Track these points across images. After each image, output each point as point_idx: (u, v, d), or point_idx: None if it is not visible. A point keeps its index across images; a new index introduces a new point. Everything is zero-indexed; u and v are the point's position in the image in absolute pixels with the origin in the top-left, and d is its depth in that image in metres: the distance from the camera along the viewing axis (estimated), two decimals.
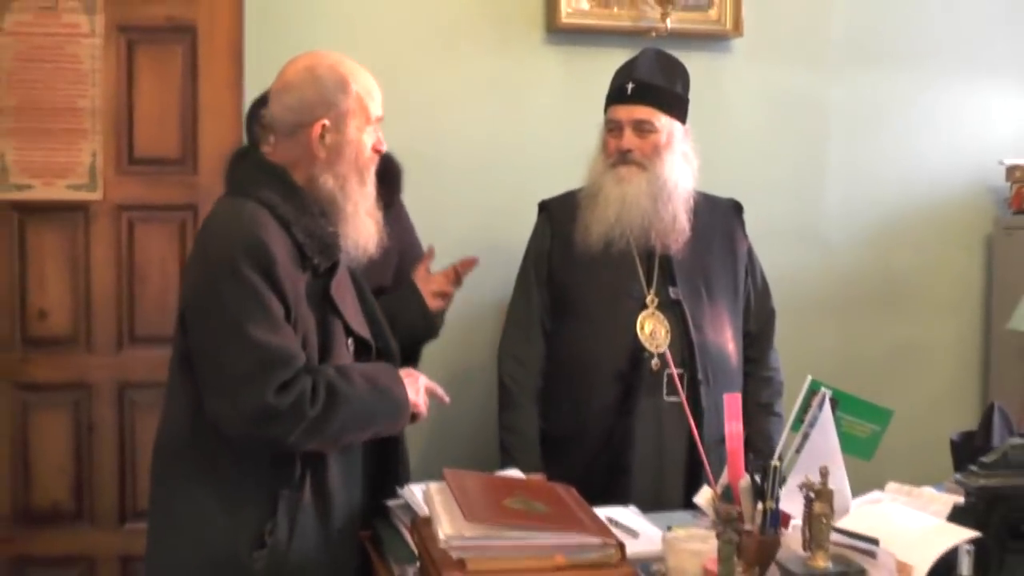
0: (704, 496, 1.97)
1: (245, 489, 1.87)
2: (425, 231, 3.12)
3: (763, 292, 2.74)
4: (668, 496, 2.40)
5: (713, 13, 3.33)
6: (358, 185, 1.99)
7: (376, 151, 2.03)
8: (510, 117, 3.23)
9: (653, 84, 2.55)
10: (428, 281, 2.41)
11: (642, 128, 2.53)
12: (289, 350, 1.82)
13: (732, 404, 1.91)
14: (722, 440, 2.43)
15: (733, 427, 1.90)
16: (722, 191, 2.76)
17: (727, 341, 2.60)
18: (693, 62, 3.29)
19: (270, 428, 1.79)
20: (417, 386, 2.04)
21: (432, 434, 3.10)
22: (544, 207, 2.71)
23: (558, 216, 2.65)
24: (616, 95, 2.58)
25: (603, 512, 2.18)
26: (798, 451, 1.81)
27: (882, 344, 3.45)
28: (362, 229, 2.00)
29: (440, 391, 2.09)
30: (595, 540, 1.55)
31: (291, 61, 2.00)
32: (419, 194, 3.11)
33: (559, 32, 3.23)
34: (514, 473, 2.17)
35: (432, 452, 3.07)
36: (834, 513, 1.70)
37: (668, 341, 2.51)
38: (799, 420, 1.85)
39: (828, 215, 3.45)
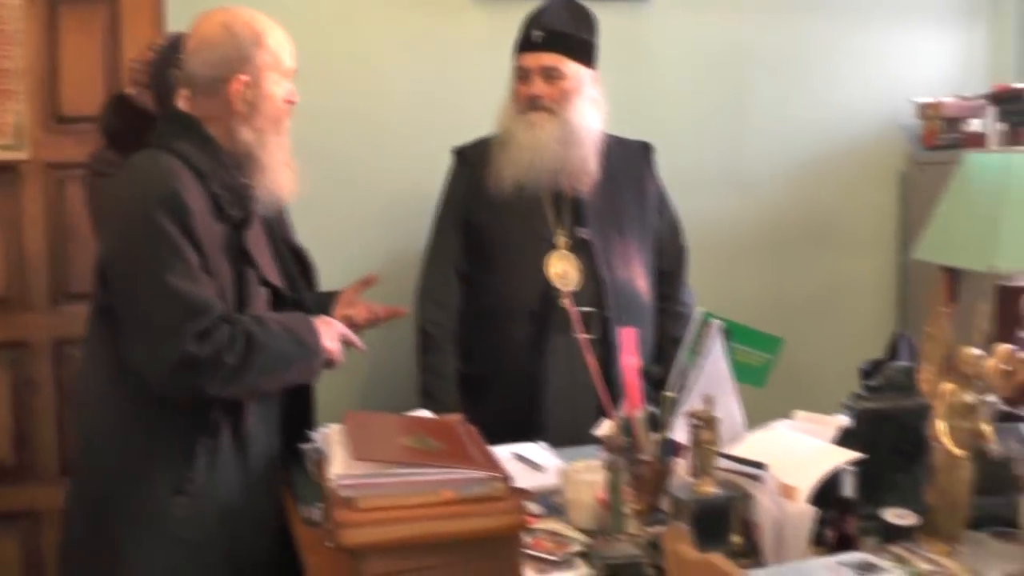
0: (604, 428, 1.92)
1: (165, 438, 1.80)
2: (356, 182, 3.05)
3: (675, 230, 2.69)
4: (583, 431, 2.34)
5: None
6: (274, 136, 1.91)
7: (289, 102, 1.95)
8: (439, 72, 3.12)
9: (560, 31, 2.46)
10: (350, 304, 2.22)
11: (550, 75, 2.45)
12: (207, 299, 1.75)
13: (628, 338, 1.85)
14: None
15: (628, 360, 1.84)
16: (646, 138, 2.69)
17: (637, 278, 2.54)
18: (614, 12, 3.22)
19: (190, 377, 1.72)
20: (332, 333, 1.97)
21: (360, 377, 3.04)
22: (458, 153, 2.63)
23: (471, 162, 2.58)
24: (524, 43, 2.50)
25: (512, 448, 2.14)
26: (692, 381, 1.76)
27: (805, 280, 3.39)
28: (279, 179, 1.93)
29: (354, 338, 2.02)
30: (481, 474, 1.48)
31: (203, 17, 1.91)
32: (350, 145, 3.04)
33: None
34: (423, 414, 2.11)
35: (360, 395, 3.02)
36: (722, 441, 1.66)
37: (579, 280, 2.46)
38: (692, 351, 1.80)
39: (749, 157, 3.37)
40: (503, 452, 2.12)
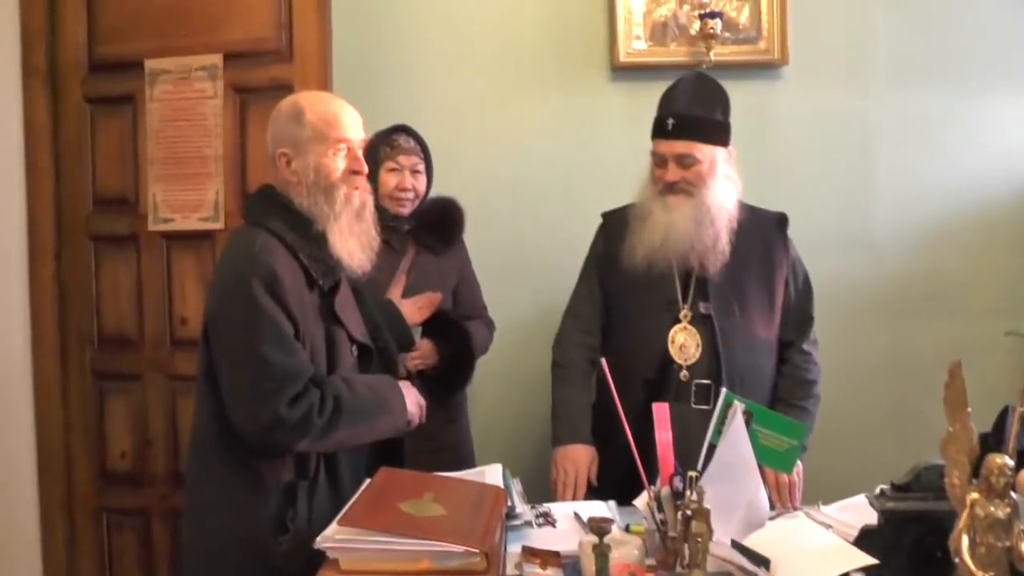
0: (642, 500, 1.63)
1: (268, 481, 1.72)
2: (505, 245, 2.94)
3: (804, 299, 2.31)
4: None
5: (762, 45, 2.89)
6: (326, 204, 1.77)
7: (352, 172, 1.80)
8: (581, 146, 2.95)
9: (692, 115, 2.16)
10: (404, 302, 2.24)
11: (684, 162, 2.16)
12: (298, 366, 1.66)
13: (660, 414, 1.56)
14: None
15: (662, 436, 1.55)
16: (775, 202, 2.36)
17: (759, 354, 2.20)
18: (744, 89, 2.91)
19: (282, 436, 1.65)
20: (412, 398, 1.86)
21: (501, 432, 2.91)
22: (603, 218, 2.42)
23: (611, 229, 2.35)
24: (658, 130, 2.21)
25: (572, 506, 1.88)
26: (712, 462, 1.45)
27: (932, 345, 2.87)
28: (345, 247, 1.79)
29: (423, 409, 1.91)
30: (458, 548, 1.26)
31: None
32: (500, 213, 2.93)
33: (620, 70, 2.91)
34: (494, 471, 1.87)
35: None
36: (741, 527, 1.35)
37: (699, 354, 2.15)
38: (717, 432, 1.48)
39: (877, 225, 2.92)
40: (565, 508, 1.88)
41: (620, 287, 2.26)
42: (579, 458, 2.19)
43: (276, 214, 1.77)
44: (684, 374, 2.14)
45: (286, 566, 1.67)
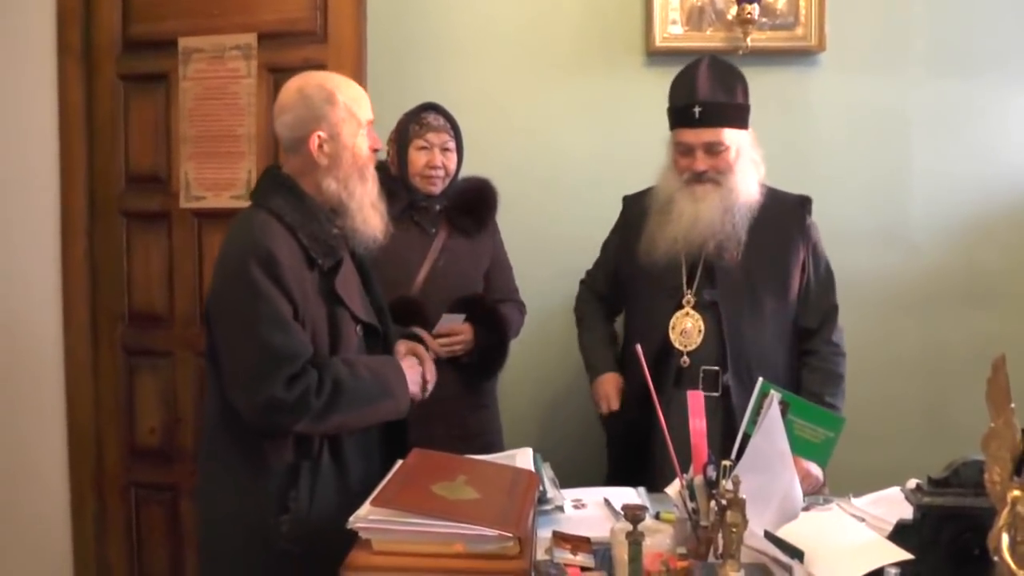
0: (674, 488, 1.63)
1: (270, 462, 1.73)
2: (536, 230, 2.92)
3: (825, 287, 2.26)
4: None
5: (800, 31, 2.86)
6: (359, 183, 1.82)
7: (373, 150, 1.86)
8: (614, 130, 2.93)
9: (717, 102, 2.14)
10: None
11: (713, 149, 2.15)
12: (295, 347, 1.67)
13: (695, 402, 1.56)
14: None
15: (696, 424, 1.55)
16: (809, 192, 2.32)
17: (770, 341, 2.17)
18: (781, 75, 2.90)
19: (278, 417, 1.66)
20: (415, 376, 1.87)
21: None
22: (625, 201, 2.45)
23: (630, 215, 2.38)
24: (683, 119, 2.18)
25: (605, 492, 1.89)
26: (747, 452, 1.45)
27: (966, 340, 2.84)
28: (369, 221, 1.84)
29: (432, 377, 1.92)
30: (491, 532, 1.27)
31: (285, 86, 1.86)
32: (532, 197, 2.91)
33: (656, 55, 2.88)
34: (525, 454, 1.88)
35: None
36: (775, 519, 1.34)
37: (700, 340, 2.14)
38: (752, 422, 1.48)
39: (913, 217, 2.89)
40: (595, 494, 1.89)
41: (632, 274, 2.28)
42: (605, 383, 2.30)
43: (279, 194, 1.79)
44: (685, 360, 2.14)
45: (289, 547, 1.70)
